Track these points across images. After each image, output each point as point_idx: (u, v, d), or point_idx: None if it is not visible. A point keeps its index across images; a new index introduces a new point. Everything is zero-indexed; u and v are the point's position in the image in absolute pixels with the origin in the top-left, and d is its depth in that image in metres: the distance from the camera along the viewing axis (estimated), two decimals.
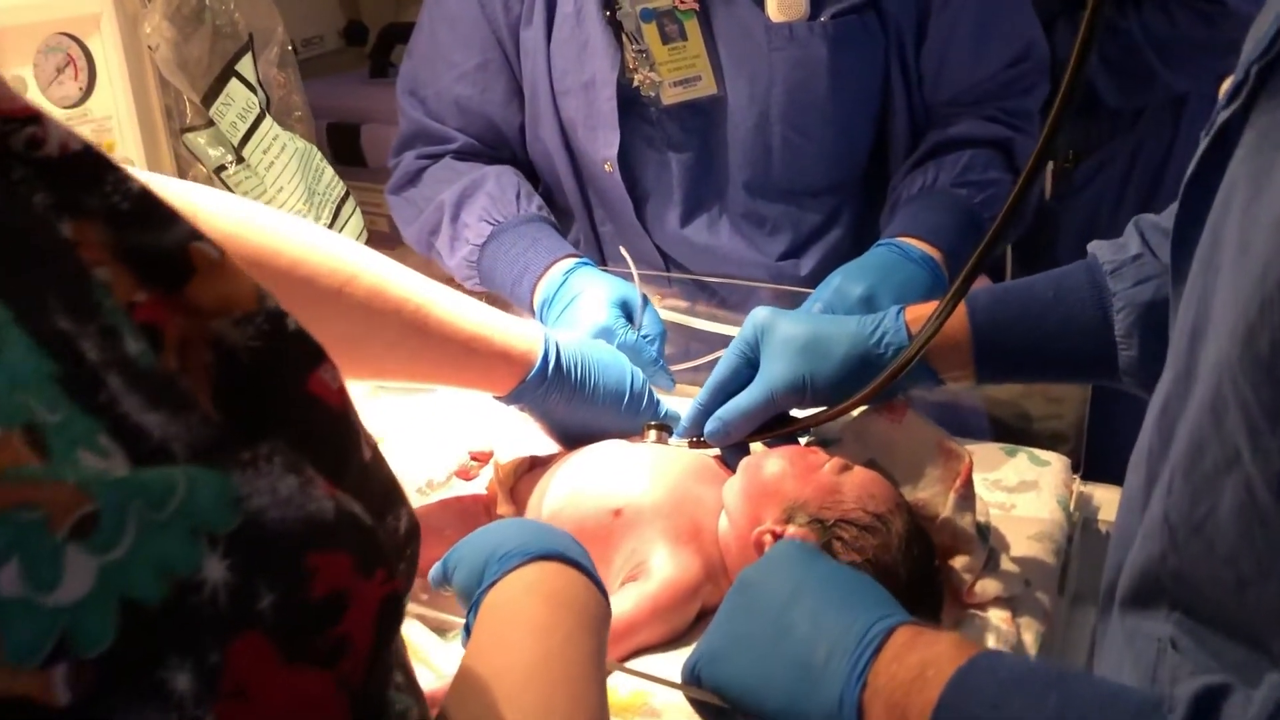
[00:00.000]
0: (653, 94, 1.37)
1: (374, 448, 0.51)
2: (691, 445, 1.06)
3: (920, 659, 0.65)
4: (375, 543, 0.43)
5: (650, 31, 1.35)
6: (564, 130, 1.42)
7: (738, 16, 1.35)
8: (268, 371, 0.44)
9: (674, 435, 1.08)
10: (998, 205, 1.34)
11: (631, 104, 1.38)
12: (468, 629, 0.70)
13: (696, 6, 1.35)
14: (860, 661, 0.66)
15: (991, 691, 0.61)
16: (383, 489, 0.53)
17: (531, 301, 1.33)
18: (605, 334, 1.21)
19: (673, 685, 0.76)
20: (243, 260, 0.90)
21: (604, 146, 1.39)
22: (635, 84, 1.37)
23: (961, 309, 0.95)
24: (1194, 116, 1.69)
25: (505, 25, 1.41)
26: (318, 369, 0.46)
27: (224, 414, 0.42)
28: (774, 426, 1.02)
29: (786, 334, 0.99)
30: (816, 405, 1.00)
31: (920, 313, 0.97)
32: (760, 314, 1.02)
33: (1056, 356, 0.96)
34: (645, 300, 1.27)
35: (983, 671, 0.62)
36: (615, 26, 1.36)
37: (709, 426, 1.02)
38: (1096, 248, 0.97)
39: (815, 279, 1.32)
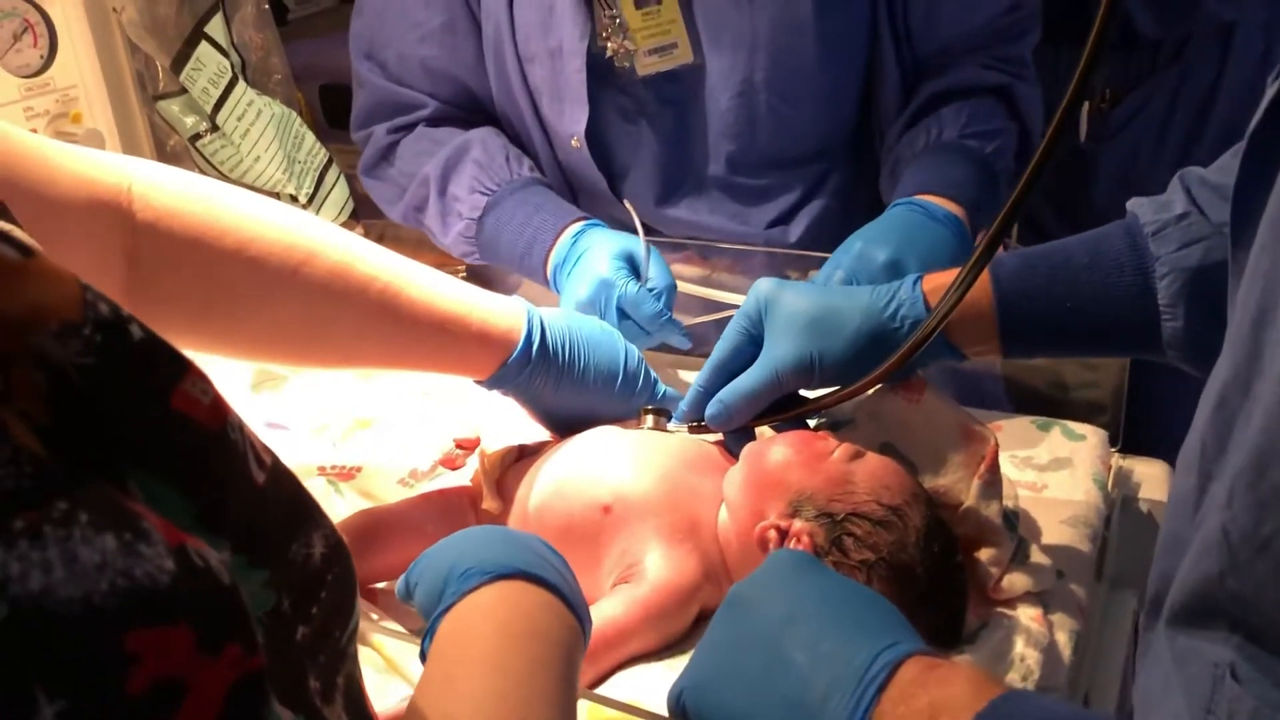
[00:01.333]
0: (627, 64, 1.28)
1: (271, 466, 0.43)
2: (691, 430, 0.98)
3: (931, 701, 0.56)
4: (231, 608, 0.34)
5: None
6: (533, 98, 1.32)
7: None
8: (110, 392, 0.36)
9: (672, 420, 0.99)
10: (1008, 156, 1.24)
11: (604, 73, 1.28)
12: (423, 656, 0.62)
13: None
14: (863, 702, 0.57)
15: None
16: (286, 513, 0.45)
17: (545, 272, 1.24)
18: (605, 286, 1.12)
19: (656, 718, 0.67)
20: (184, 241, 0.83)
21: (571, 121, 1.30)
22: (608, 53, 1.27)
23: (985, 277, 0.86)
24: (1243, 48, 1.56)
25: None
26: (180, 383, 0.38)
27: (57, 448, 0.34)
28: (781, 409, 0.94)
29: (792, 308, 0.90)
30: (826, 385, 0.91)
31: (939, 282, 0.88)
32: (764, 285, 0.93)
33: (1093, 328, 0.86)
34: (651, 251, 1.17)
35: None
36: None
37: (710, 409, 0.94)
38: (1136, 206, 0.87)
39: (805, 246, 1.24)
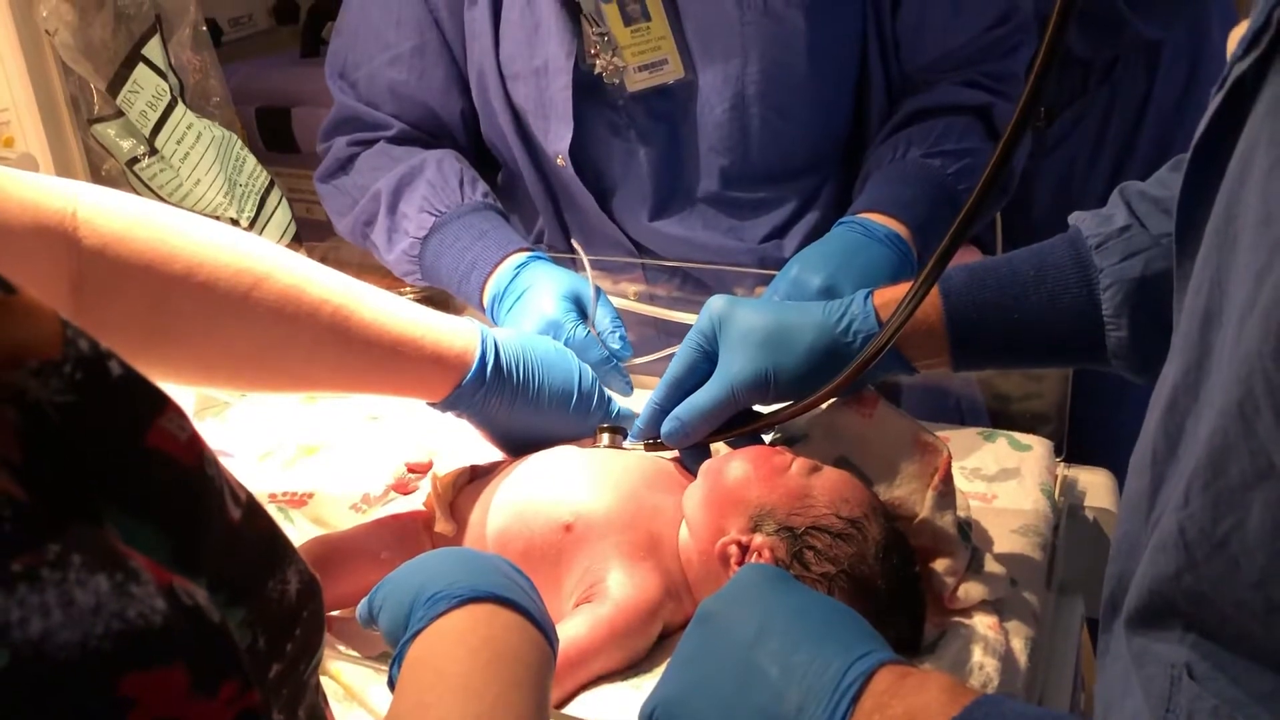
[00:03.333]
0: (616, 80, 1.27)
1: (246, 503, 0.43)
2: (648, 448, 0.98)
3: (906, 709, 0.56)
4: (223, 646, 0.34)
5: (611, 12, 1.24)
6: (517, 117, 1.32)
7: None
8: (89, 430, 0.35)
9: (629, 438, 0.99)
10: (974, 175, 1.25)
11: (592, 90, 1.28)
12: (392, 683, 0.61)
13: None
14: (838, 712, 0.57)
15: None
16: (261, 550, 0.44)
17: (481, 299, 1.23)
18: (553, 329, 1.11)
19: None
20: (132, 267, 0.82)
21: (556, 139, 1.29)
22: (597, 70, 1.27)
23: (935, 291, 0.87)
24: (1169, 66, 1.61)
25: (444, 5, 1.30)
26: (158, 418, 0.38)
27: (34, 489, 0.33)
28: (737, 424, 0.94)
29: (746, 325, 0.91)
30: (781, 400, 0.92)
31: (891, 296, 0.89)
32: (717, 303, 0.94)
33: (1040, 340, 0.88)
34: (599, 293, 1.17)
35: None
36: (572, 8, 1.24)
37: (666, 427, 0.94)
38: (1079, 219, 0.89)
39: None
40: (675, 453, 0.97)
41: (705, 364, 0.93)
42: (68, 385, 0.34)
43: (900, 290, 0.86)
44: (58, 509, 0.33)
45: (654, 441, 0.97)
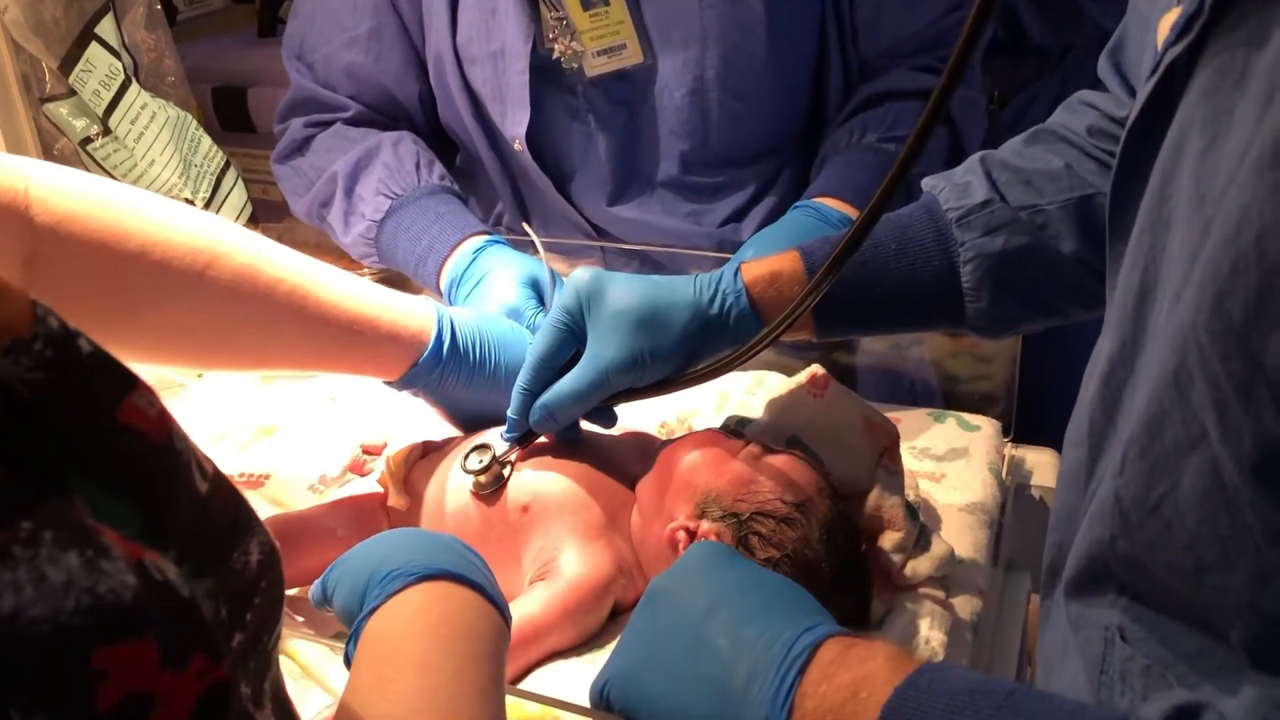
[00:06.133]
0: (575, 65, 1.27)
1: (212, 476, 0.43)
2: (520, 446, 0.93)
3: (852, 678, 0.58)
4: (193, 619, 0.35)
5: None
6: (474, 100, 1.32)
7: None
8: (60, 407, 0.36)
9: (502, 438, 0.94)
10: (928, 160, 1.27)
11: (551, 74, 1.28)
12: (348, 660, 0.62)
13: None
14: (785, 682, 0.59)
15: (934, 715, 0.55)
16: (227, 522, 0.45)
17: (438, 282, 1.23)
18: (513, 315, 1.12)
19: (580, 711, 0.69)
20: (86, 245, 0.82)
21: (512, 125, 1.29)
22: (555, 55, 1.27)
23: (799, 262, 0.88)
24: None
25: None
26: (129, 395, 0.38)
27: (5, 466, 0.34)
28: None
29: (618, 307, 0.87)
30: (654, 379, 0.89)
31: (758, 272, 0.89)
32: (582, 277, 0.89)
33: (901, 310, 0.90)
34: (555, 277, 1.18)
35: (922, 692, 0.56)
36: None
37: (534, 416, 0.90)
38: (934, 187, 0.91)
39: None
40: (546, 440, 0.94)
41: (572, 342, 0.90)
42: (38, 363, 0.35)
43: (767, 265, 0.88)
44: (29, 486, 0.33)
45: (524, 437, 0.93)
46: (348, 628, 0.65)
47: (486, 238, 1.23)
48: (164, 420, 0.39)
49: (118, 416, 0.37)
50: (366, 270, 1.38)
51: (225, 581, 0.43)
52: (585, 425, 0.96)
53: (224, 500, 0.42)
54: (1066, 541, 0.67)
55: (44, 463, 0.34)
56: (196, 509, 0.40)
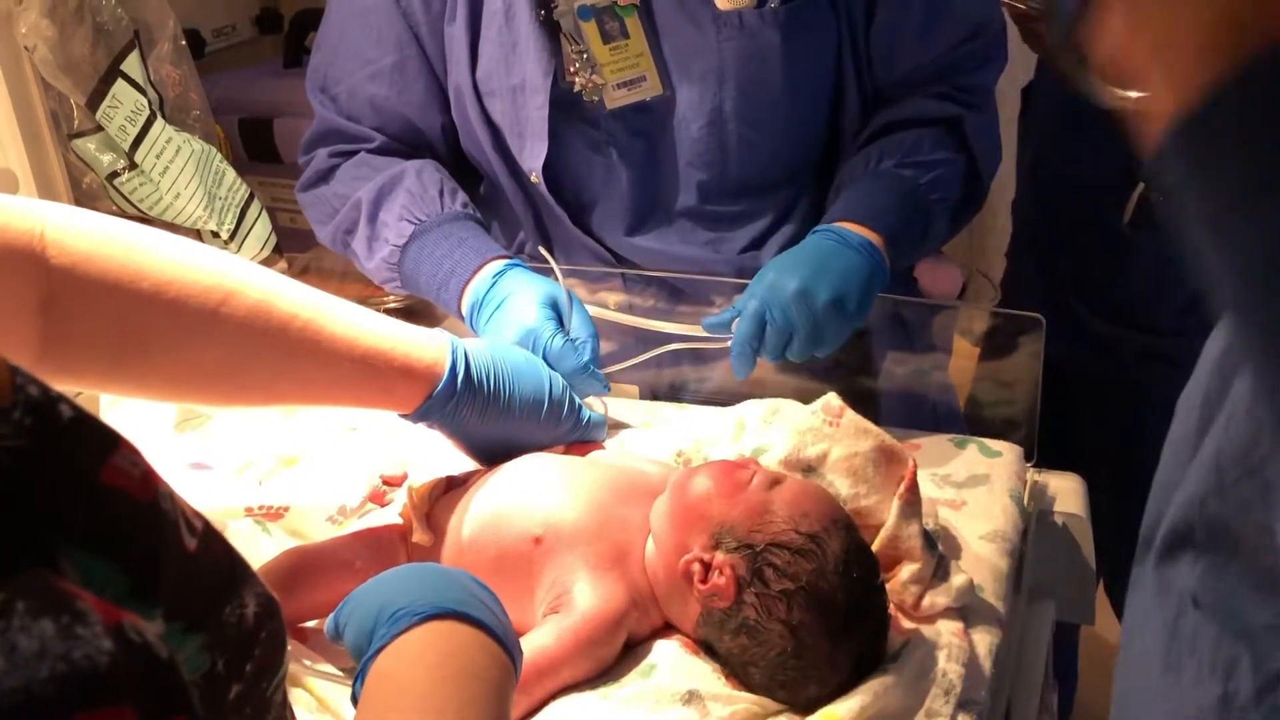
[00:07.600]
0: (595, 98, 1.28)
1: (202, 532, 0.44)
2: None
3: None
4: (172, 683, 0.35)
5: (590, 30, 1.25)
6: (494, 132, 1.33)
7: (683, 8, 1.25)
8: (41, 473, 0.36)
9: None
10: (945, 186, 1.27)
11: (571, 107, 1.29)
12: (355, 699, 0.62)
13: (637, 1, 1.25)
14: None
15: None
16: (218, 577, 0.45)
17: (460, 306, 1.24)
18: (533, 336, 1.13)
19: None
20: (101, 286, 0.82)
21: (530, 157, 1.30)
22: (576, 88, 1.28)
23: None
24: None
25: (424, 21, 1.31)
26: (112, 456, 0.39)
27: None
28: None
29: None
30: None
31: None
32: None
33: None
34: (573, 300, 1.19)
35: None
36: (551, 27, 1.25)
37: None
38: None
39: None
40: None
41: None
42: (17, 431, 0.35)
43: None
44: (3, 555, 0.33)
45: None
46: (358, 664, 0.65)
47: (507, 261, 1.24)
48: (148, 480, 0.39)
49: (100, 478, 0.37)
50: (389, 298, 1.39)
51: (219, 635, 0.43)
52: (594, 454, 0.97)
53: (215, 555, 0.43)
54: (1161, 511, 0.66)
55: (21, 530, 0.34)
56: (185, 565, 0.40)
